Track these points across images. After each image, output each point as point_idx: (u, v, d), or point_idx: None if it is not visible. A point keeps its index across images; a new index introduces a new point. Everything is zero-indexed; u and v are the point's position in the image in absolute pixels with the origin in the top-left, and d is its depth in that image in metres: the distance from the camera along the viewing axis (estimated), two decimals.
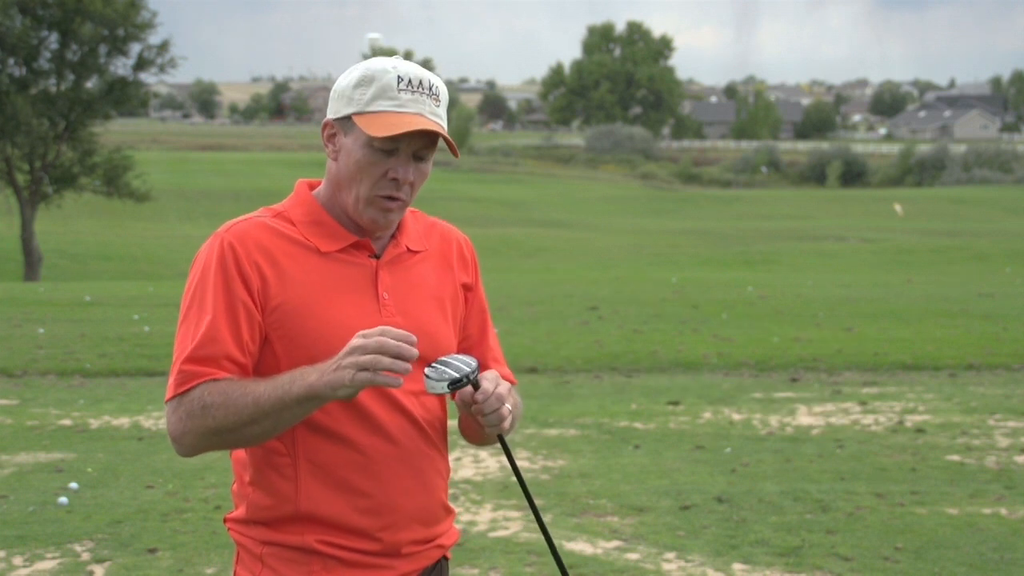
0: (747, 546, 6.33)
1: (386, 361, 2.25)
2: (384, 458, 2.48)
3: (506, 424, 2.43)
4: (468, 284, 2.69)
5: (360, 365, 2.26)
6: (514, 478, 7.81)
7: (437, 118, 2.48)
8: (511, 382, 2.69)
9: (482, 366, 2.63)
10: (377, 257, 2.54)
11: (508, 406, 2.42)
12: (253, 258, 2.45)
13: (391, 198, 2.49)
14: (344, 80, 2.52)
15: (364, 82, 2.47)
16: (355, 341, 2.28)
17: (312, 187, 2.61)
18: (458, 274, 2.66)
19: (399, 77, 2.46)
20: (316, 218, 2.53)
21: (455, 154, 2.50)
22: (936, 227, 48.62)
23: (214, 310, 2.42)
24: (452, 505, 2.66)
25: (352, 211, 2.51)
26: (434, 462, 2.56)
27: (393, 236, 2.59)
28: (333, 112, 2.52)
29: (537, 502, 7.12)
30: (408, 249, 2.59)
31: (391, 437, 2.48)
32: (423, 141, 2.48)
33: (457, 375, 2.34)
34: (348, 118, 2.49)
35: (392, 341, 2.26)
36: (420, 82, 2.47)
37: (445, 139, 2.48)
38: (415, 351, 2.28)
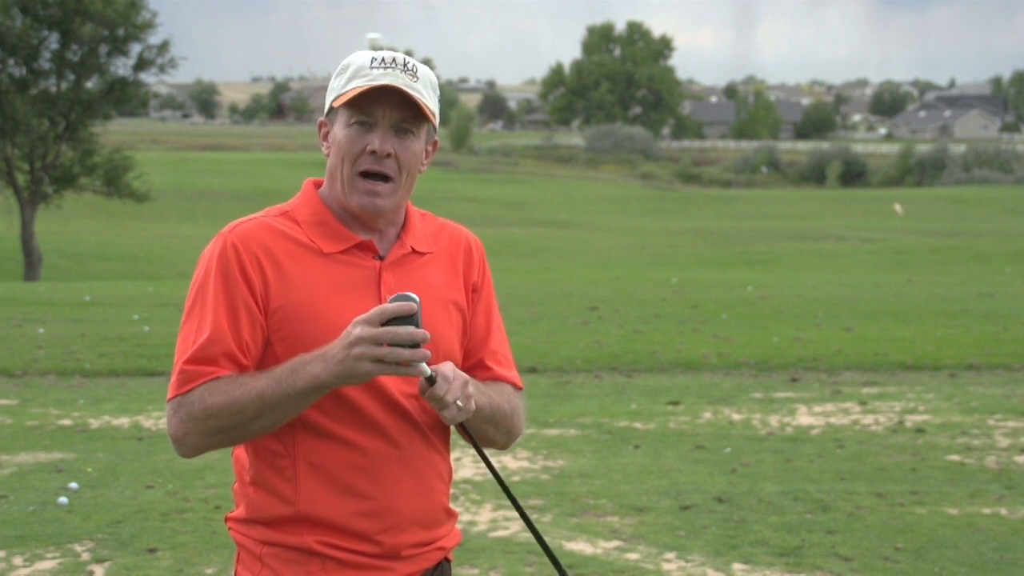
0: (747, 546, 6.33)
1: (405, 353, 2.26)
2: (384, 461, 2.47)
3: (449, 412, 2.37)
4: (475, 285, 2.66)
5: (375, 357, 2.26)
6: (514, 477, 7.80)
7: (412, 89, 2.47)
8: (516, 384, 2.69)
9: (482, 367, 2.64)
10: (381, 258, 2.54)
11: (455, 399, 2.36)
12: (256, 259, 2.45)
13: (374, 175, 2.48)
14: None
15: (342, 71, 2.54)
16: (359, 330, 2.27)
17: (318, 186, 2.62)
18: (465, 276, 2.64)
19: (372, 58, 2.50)
20: (320, 218, 2.53)
21: (431, 121, 2.51)
22: (936, 227, 48.60)
23: (215, 311, 2.42)
24: (453, 506, 2.64)
25: (344, 199, 2.52)
26: (435, 465, 2.55)
27: (398, 237, 2.58)
28: (325, 110, 2.58)
29: (537, 502, 7.16)
30: (414, 250, 2.57)
31: (392, 439, 2.48)
32: (401, 112, 2.49)
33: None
34: (332, 108, 2.54)
35: (403, 330, 2.25)
36: (394, 60, 2.50)
37: (416, 101, 2.46)
38: (427, 333, 2.28)
